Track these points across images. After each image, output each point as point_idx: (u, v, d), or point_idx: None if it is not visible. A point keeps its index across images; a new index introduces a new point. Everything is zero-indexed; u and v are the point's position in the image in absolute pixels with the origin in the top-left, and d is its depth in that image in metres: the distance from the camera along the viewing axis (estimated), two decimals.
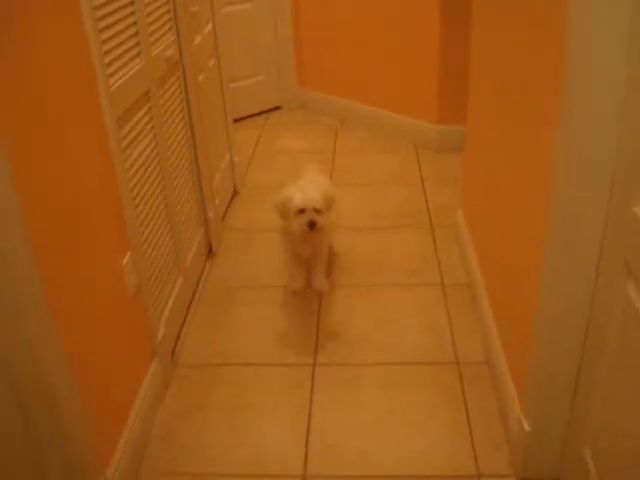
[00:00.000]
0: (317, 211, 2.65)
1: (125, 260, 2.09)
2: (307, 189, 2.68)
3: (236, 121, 4.29)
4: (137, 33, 2.25)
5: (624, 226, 1.47)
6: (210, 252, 3.33)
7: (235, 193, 3.87)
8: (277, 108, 5.23)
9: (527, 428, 1.94)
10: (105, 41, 1.97)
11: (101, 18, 1.94)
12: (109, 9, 2.00)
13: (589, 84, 1.45)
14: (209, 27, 3.36)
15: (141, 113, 2.31)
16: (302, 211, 2.65)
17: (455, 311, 2.83)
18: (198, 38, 3.11)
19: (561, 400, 1.87)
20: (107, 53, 1.98)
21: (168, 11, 2.68)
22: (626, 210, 1.45)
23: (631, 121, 1.42)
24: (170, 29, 2.70)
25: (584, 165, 1.54)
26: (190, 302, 2.95)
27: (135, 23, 2.23)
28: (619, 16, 1.37)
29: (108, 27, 2.00)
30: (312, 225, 2.64)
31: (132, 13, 2.21)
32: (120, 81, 2.08)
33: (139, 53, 2.28)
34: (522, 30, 2.02)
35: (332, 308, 2.91)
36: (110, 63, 2.01)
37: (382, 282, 3.07)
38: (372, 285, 3.05)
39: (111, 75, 2.02)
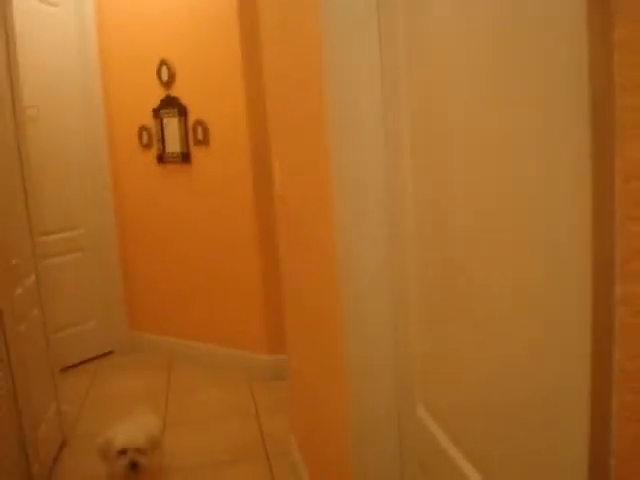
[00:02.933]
0: (140, 451, 2.57)
1: None
2: (129, 429, 2.62)
3: (67, 369, 4.27)
4: None
5: (412, 428, 1.51)
6: None
7: (64, 444, 3.61)
8: (109, 353, 5.07)
9: None
10: None
11: None
12: None
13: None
14: (32, 278, 3.29)
15: None
16: (123, 452, 2.56)
17: None
18: (19, 289, 3.05)
19: None
20: None
21: None
22: (412, 412, 1.49)
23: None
24: None
25: (369, 371, 1.63)
26: None
27: None
28: None
29: None
30: (134, 466, 2.55)
31: None
32: None
33: None
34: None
35: None
36: None
37: None
38: None
39: None
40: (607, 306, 0.62)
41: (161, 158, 4.59)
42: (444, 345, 1.28)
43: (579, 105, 0.66)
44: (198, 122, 4.35)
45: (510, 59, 0.85)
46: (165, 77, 4.44)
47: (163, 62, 4.42)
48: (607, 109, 0.60)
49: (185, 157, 4.46)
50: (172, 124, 4.46)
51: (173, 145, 4.50)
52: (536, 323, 0.83)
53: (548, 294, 0.80)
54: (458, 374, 1.21)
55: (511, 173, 0.88)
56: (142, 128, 4.64)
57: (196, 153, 4.43)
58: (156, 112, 4.53)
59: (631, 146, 0.58)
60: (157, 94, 4.50)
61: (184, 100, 4.40)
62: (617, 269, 0.61)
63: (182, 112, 4.40)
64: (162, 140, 4.55)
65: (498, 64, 0.89)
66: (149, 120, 4.59)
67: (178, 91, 4.42)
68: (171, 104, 4.44)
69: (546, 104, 0.76)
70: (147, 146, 4.65)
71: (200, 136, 4.36)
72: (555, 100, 0.74)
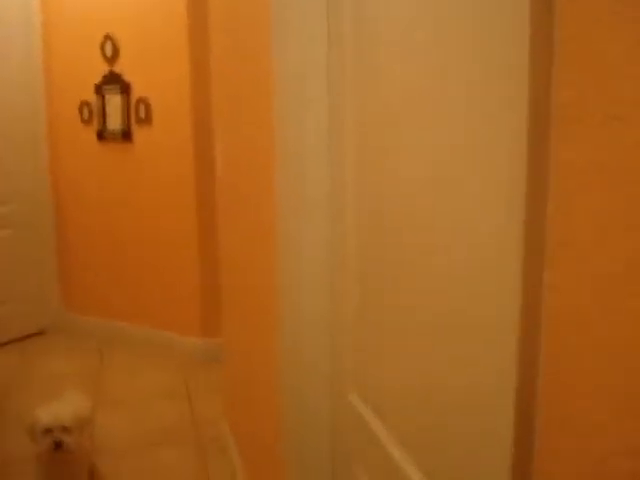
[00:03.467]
0: (65, 430, 2.56)
1: None
2: (55, 409, 2.60)
3: None
4: None
5: (344, 414, 1.53)
6: None
7: None
8: (40, 333, 4.98)
9: None
10: None
11: None
12: None
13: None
14: None
15: None
16: (49, 431, 2.55)
17: None
18: None
19: None
20: None
21: None
22: (345, 399, 1.51)
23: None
24: None
25: (303, 357, 1.63)
26: None
27: None
28: None
29: None
30: (58, 445, 2.54)
31: None
32: None
33: None
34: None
35: None
36: None
37: None
38: None
39: None
40: (536, 293, 0.66)
41: (101, 135, 4.52)
42: (375, 334, 1.31)
43: (520, 103, 0.69)
44: (141, 100, 4.30)
45: (454, 58, 0.87)
46: (109, 52, 4.37)
47: (108, 37, 4.34)
48: (544, 105, 0.63)
49: (126, 135, 4.41)
50: (114, 101, 4.40)
51: (114, 122, 4.43)
52: (469, 314, 0.86)
53: (480, 285, 0.82)
54: (389, 364, 1.23)
55: (449, 171, 0.90)
56: (83, 103, 4.55)
57: (138, 132, 4.38)
58: (98, 88, 4.45)
59: (566, 143, 0.61)
60: (100, 69, 4.43)
61: (127, 77, 4.34)
62: (547, 258, 0.64)
63: (125, 89, 4.34)
64: (103, 116, 4.47)
65: (442, 61, 0.90)
66: (91, 95, 4.51)
67: (121, 67, 4.35)
68: (114, 80, 4.37)
69: (486, 102, 0.79)
70: (88, 122, 4.57)
71: (142, 114, 4.31)
72: (496, 99, 0.76)
